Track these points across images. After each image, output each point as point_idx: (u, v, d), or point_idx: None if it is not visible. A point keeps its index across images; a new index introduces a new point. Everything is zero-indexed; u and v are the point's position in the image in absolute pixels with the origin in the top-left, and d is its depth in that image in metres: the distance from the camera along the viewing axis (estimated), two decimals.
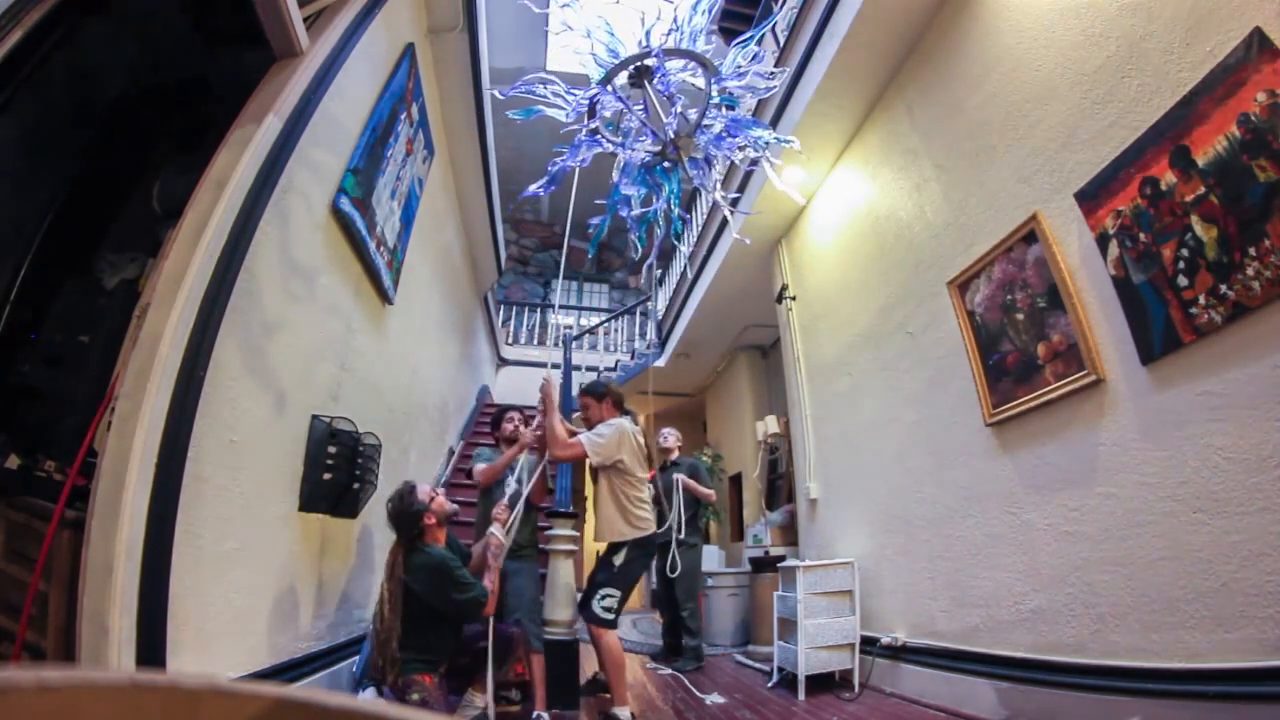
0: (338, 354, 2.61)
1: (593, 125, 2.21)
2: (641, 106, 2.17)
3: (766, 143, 2.19)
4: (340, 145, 2.43)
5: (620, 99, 2.17)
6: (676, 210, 2.37)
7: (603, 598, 2.51)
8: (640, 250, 2.48)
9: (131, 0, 2.05)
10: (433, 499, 2.30)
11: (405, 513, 2.25)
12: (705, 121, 2.13)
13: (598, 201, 2.42)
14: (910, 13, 3.08)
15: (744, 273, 5.23)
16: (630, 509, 2.61)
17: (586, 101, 2.17)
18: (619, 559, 2.56)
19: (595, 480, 2.80)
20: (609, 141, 2.26)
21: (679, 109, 2.09)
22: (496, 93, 2.27)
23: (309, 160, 2.15)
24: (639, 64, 2.07)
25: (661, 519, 3.48)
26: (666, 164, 2.23)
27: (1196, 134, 1.78)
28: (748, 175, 4.45)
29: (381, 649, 2.13)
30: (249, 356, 1.89)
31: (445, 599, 2.16)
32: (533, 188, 2.32)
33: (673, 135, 2.03)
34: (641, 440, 2.75)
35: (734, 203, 4.19)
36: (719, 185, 2.41)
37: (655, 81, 2.12)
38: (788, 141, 2.26)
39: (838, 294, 4.03)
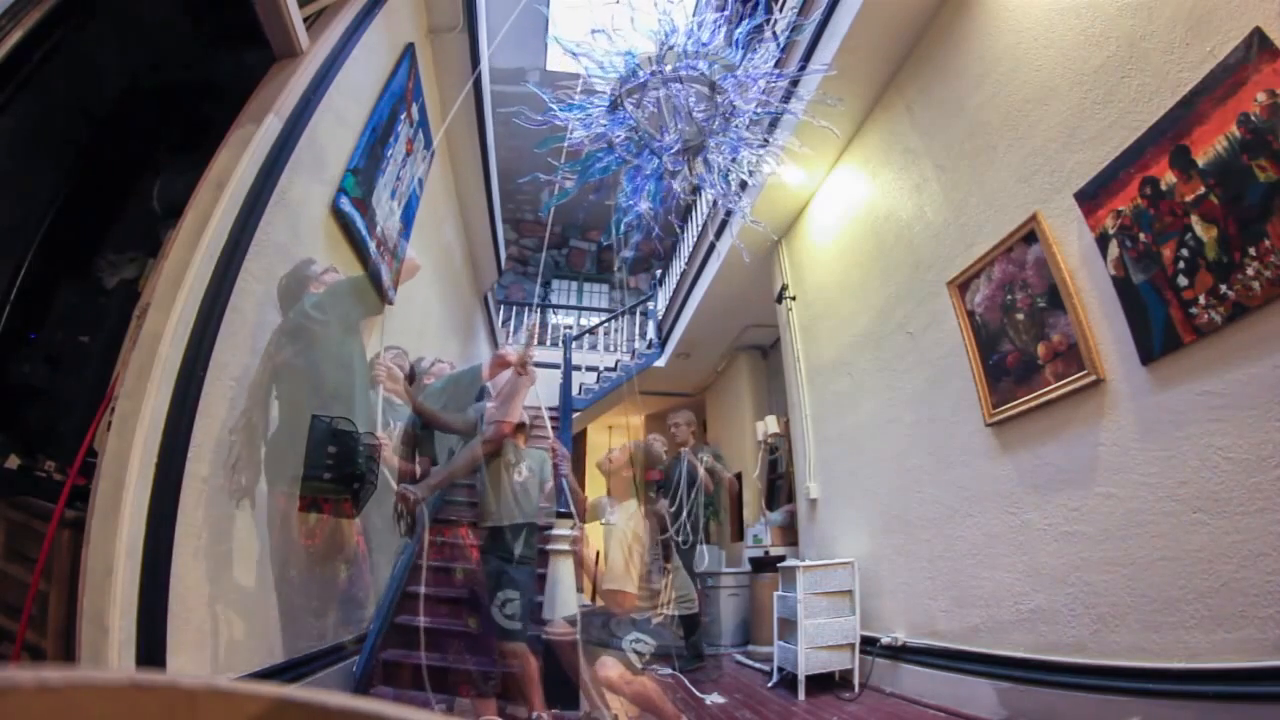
0: (338, 354, 2.60)
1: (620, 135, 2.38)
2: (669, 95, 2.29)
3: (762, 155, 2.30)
4: (340, 145, 2.43)
5: (633, 123, 2.29)
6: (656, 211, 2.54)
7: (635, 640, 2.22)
8: (625, 242, 2.67)
9: (131, 0, 2.04)
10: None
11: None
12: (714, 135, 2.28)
13: (608, 201, 2.51)
14: (910, 13, 3.08)
15: (744, 273, 5.22)
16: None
17: (606, 124, 2.30)
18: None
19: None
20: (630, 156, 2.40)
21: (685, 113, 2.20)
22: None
23: (309, 160, 2.15)
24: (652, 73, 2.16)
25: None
26: (668, 168, 2.31)
27: (1196, 134, 1.78)
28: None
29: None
30: (249, 357, 1.89)
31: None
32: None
33: (685, 139, 2.18)
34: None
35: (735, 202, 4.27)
36: (726, 186, 2.55)
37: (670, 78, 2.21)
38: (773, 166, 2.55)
39: (838, 294, 4.03)
